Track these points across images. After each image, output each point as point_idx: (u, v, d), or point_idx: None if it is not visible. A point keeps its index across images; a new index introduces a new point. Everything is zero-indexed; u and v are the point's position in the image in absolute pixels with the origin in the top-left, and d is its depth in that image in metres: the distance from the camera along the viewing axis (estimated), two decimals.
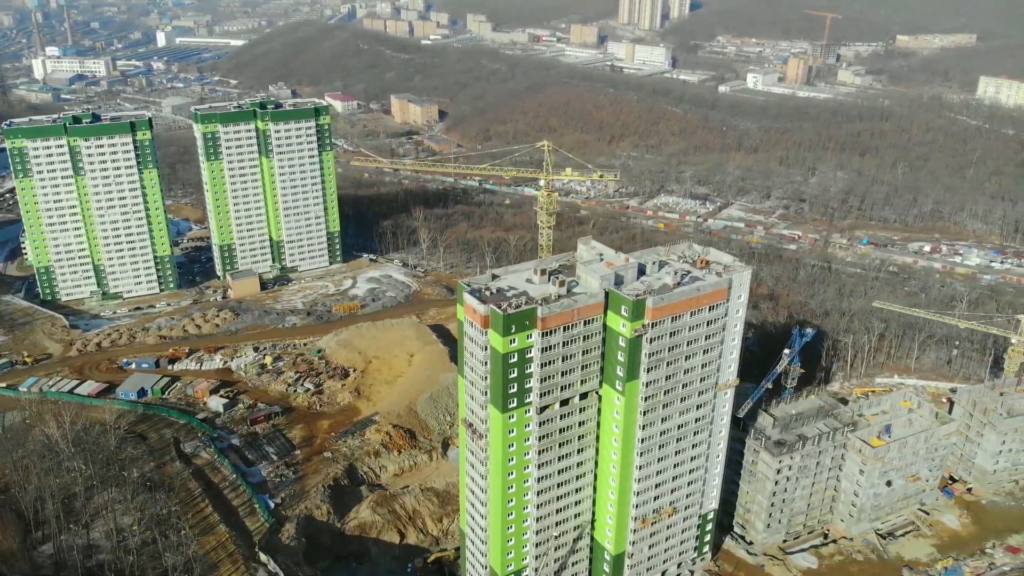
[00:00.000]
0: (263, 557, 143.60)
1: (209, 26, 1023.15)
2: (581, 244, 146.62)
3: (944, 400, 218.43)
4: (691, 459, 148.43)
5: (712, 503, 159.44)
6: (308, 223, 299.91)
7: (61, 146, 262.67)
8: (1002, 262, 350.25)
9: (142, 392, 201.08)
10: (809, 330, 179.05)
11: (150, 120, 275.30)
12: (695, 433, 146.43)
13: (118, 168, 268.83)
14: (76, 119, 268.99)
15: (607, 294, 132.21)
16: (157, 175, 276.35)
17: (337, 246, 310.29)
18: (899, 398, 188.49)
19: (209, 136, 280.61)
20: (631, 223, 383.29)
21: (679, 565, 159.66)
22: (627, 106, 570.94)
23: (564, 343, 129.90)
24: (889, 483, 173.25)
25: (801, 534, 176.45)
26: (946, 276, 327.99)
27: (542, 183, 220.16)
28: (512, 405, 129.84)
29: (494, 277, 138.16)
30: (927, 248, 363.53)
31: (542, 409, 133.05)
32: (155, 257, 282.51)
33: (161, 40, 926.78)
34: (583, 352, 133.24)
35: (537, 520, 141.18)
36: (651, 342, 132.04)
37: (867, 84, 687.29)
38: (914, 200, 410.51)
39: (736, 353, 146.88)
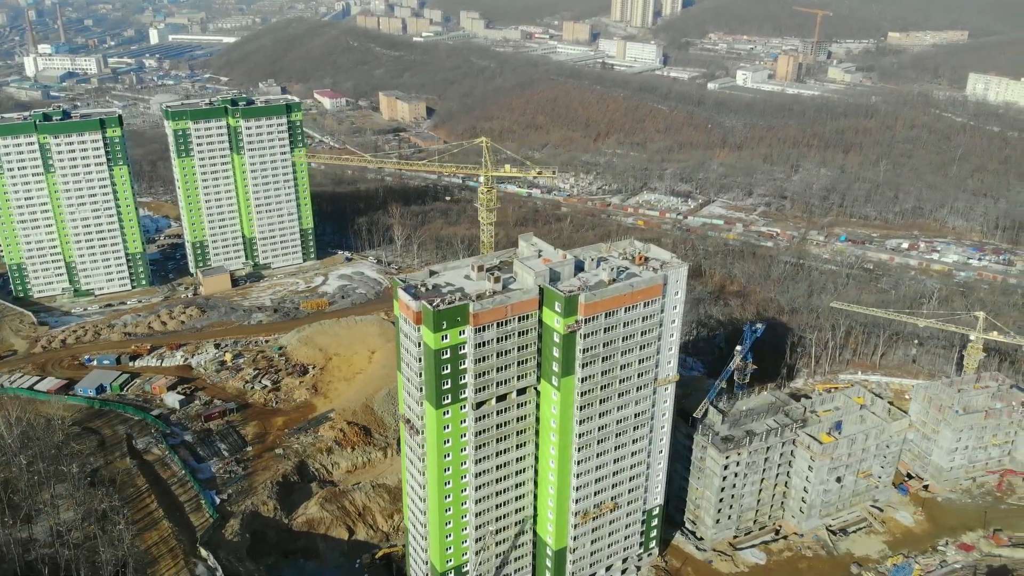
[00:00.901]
0: (203, 552, 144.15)
1: (203, 23, 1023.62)
2: (522, 240, 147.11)
3: (907, 397, 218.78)
4: (632, 454, 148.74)
5: (657, 498, 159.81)
6: (281, 220, 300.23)
7: (32, 143, 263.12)
8: (980, 259, 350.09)
9: (101, 388, 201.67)
10: (759, 326, 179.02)
11: (120, 117, 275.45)
12: (635, 428, 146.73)
13: (88, 165, 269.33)
14: (47, 116, 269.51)
15: (542, 290, 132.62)
16: (128, 172, 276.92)
17: (311, 243, 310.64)
18: (853, 395, 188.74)
19: (180, 133, 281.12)
20: (610, 221, 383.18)
21: (624, 560, 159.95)
22: (614, 103, 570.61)
23: (498, 339, 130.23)
24: (839, 479, 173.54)
25: (752, 530, 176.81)
26: (921, 273, 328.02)
27: (482, 179, 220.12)
28: (447, 401, 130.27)
29: (432, 273, 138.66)
30: (905, 245, 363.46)
31: (479, 405, 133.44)
32: (127, 254, 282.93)
33: (154, 37, 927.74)
34: (519, 348, 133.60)
35: (476, 516, 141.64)
36: (585, 338, 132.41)
37: (857, 81, 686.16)
38: (895, 197, 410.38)
39: (675, 349, 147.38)
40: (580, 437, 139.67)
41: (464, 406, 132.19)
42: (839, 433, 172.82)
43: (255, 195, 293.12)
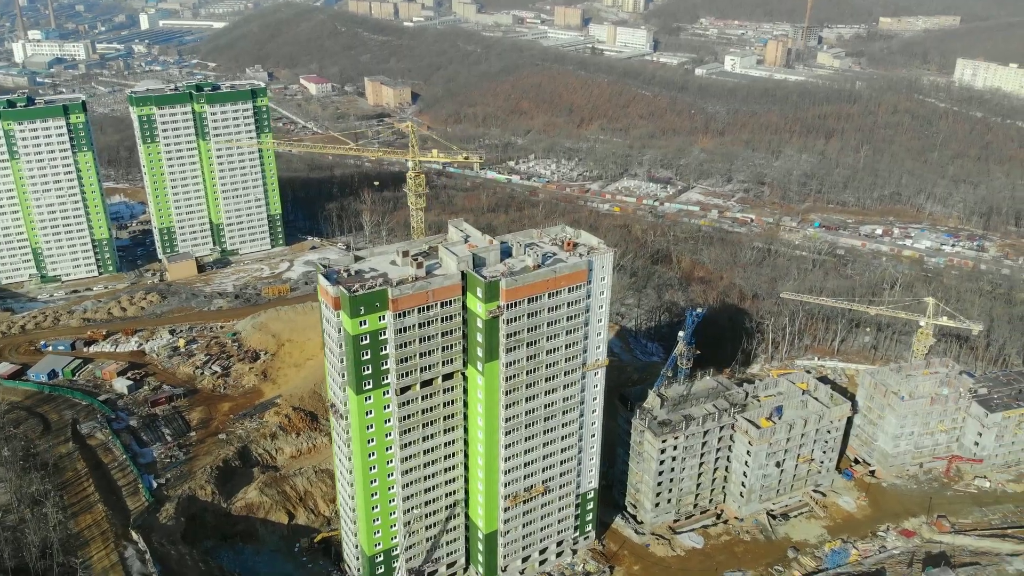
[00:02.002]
0: (134, 535, 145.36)
1: (194, 9, 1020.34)
2: (451, 226, 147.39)
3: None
4: (562, 438, 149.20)
5: (591, 482, 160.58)
6: (248, 206, 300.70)
7: None
8: (953, 245, 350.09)
9: (53, 374, 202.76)
10: (700, 311, 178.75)
11: (84, 103, 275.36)
12: (564, 413, 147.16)
13: (52, 151, 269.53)
14: (11, 103, 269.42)
15: (465, 276, 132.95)
16: (93, 158, 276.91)
17: (279, 229, 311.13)
18: (798, 380, 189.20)
19: (145, 119, 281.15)
20: (584, 207, 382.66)
21: (559, 544, 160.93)
22: (598, 89, 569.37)
23: (420, 325, 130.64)
24: (779, 464, 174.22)
25: (693, 514, 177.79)
26: (893, 259, 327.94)
27: (410, 164, 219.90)
28: (368, 387, 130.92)
29: (357, 259, 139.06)
30: (879, 231, 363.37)
31: (403, 390, 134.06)
32: (93, 240, 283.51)
33: (144, 23, 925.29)
34: (443, 334, 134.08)
35: (404, 500, 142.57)
36: (509, 323, 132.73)
37: (846, 67, 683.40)
38: (873, 183, 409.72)
39: (604, 333, 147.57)
40: (507, 421, 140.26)
41: (387, 391, 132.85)
42: (779, 418, 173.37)
43: (221, 181, 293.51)
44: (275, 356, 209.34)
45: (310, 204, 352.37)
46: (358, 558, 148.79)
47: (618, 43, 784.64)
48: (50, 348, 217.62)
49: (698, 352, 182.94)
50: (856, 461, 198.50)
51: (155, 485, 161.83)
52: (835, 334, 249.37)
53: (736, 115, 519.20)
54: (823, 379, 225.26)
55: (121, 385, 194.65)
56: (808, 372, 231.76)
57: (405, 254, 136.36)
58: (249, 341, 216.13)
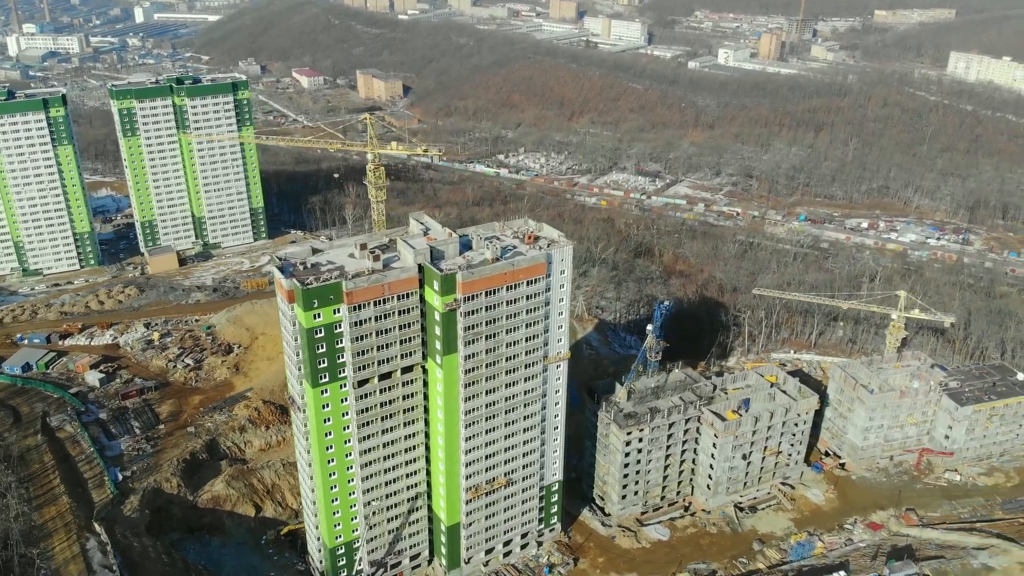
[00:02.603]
0: (97, 527, 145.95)
1: (190, 2, 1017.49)
2: (412, 218, 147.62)
3: None
4: (524, 431, 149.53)
5: (556, 475, 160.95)
6: (230, 199, 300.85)
7: None
8: (938, 239, 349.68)
9: (27, 367, 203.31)
10: (667, 303, 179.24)
11: (64, 97, 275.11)
12: (526, 406, 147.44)
13: (32, 145, 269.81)
14: None
15: (422, 269, 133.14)
16: (74, 151, 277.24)
17: (262, 222, 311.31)
18: (767, 373, 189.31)
19: (125, 112, 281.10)
20: (570, 200, 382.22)
21: (524, 536, 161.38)
22: (589, 82, 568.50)
23: (377, 318, 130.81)
24: (745, 457, 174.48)
25: (661, 506, 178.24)
26: (877, 253, 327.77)
27: (370, 156, 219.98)
28: (324, 380, 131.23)
29: (315, 251, 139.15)
30: (864, 225, 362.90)
31: (361, 384, 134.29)
32: (74, 233, 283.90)
33: (139, 16, 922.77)
34: (400, 327, 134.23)
35: (364, 492, 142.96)
36: (466, 316, 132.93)
37: (839, 60, 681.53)
38: (861, 176, 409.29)
39: (565, 326, 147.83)
40: (467, 414, 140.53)
41: (344, 384, 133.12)
42: (746, 411, 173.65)
43: (203, 174, 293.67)
44: (248, 349, 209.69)
45: (295, 197, 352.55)
46: (320, 550, 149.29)
47: (612, 36, 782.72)
48: (25, 341, 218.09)
49: (667, 345, 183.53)
50: (827, 454, 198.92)
51: (120, 478, 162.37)
52: (812, 328, 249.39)
53: (726, 109, 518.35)
54: (798, 372, 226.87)
55: (93, 378, 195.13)
56: (783, 365, 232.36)
57: (363, 247, 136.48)
58: (223, 334, 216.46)
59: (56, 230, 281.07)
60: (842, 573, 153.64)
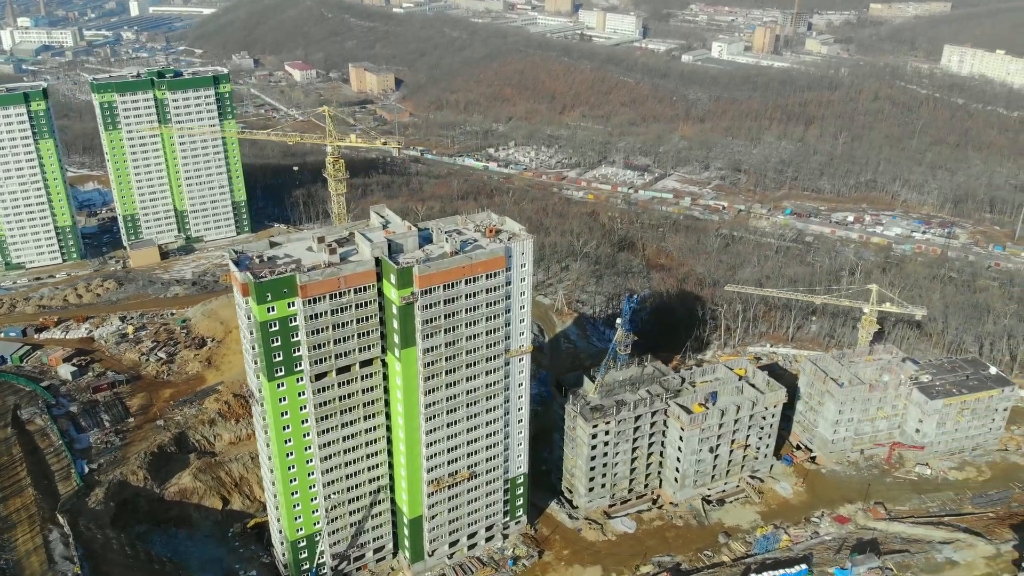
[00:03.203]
0: (60, 519, 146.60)
1: None
2: (373, 211, 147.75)
3: None
4: (486, 424, 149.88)
5: (521, 467, 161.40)
6: (212, 192, 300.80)
7: None
8: (923, 232, 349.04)
9: (1, 360, 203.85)
10: (636, 296, 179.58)
11: (45, 91, 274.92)
12: (488, 399, 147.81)
13: (13, 139, 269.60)
14: None
15: (380, 262, 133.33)
16: (55, 145, 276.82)
17: (244, 216, 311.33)
18: (737, 366, 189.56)
19: (106, 105, 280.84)
20: (555, 194, 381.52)
21: (489, 528, 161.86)
22: (580, 75, 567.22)
23: (333, 311, 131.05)
24: (712, 450, 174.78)
25: (629, 499, 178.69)
26: (861, 247, 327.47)
27: (329, 149, 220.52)
28: (280, 374, 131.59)
29: (273, 245, 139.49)
30: (850, 218, 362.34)
31: (319, 377, 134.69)
32: (56, 227, 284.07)
33: (134, 9, 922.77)
34: (358, 320, 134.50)
35: (325, 485, 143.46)
36: (424, 309, 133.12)
37: (833, 53, 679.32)
38: (849, 170, 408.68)
39: (527, 320, 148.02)
40: (428, 408, 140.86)
41: (301, 378, 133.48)
42: (713, 404, 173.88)
43: (184, 168, 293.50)
44: (222, 343, 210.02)
45: (280, 191, 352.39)
46: (283, 543, 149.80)
47: (607, 29, 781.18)
48: (1, 335, 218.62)
49: (636, 339, 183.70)
50: (798, 447, 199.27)
51: (87, 470, 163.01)
52: (790, 322, 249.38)
53: (717, 102, 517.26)
54: (773, 366, 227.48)
55: (65, 371, 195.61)
56: (758, 359, 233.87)
57: (320, 240, 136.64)
58: (198, 328, 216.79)
59: (38, 224, 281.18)
60: (804, 566, 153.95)
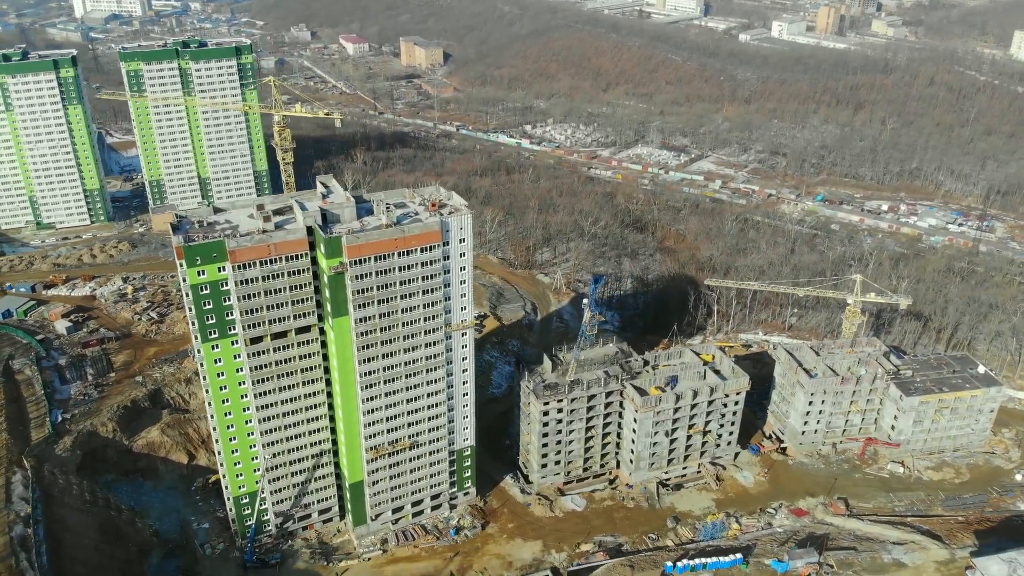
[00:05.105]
0: (25, 462, 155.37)
1: None
2: (319, 181, 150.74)
3: None
4: (428, 395, 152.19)
5: (468, 440, 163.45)
6: (234, 161, 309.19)
7: None
8: (960, 224, 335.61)
9: (7, 313, 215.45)
10: (603, 278, 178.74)
11: (74, 58, 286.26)
12: (428, 371, 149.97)
13: (44, 104, 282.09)
14: (6, 57, 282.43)
15: (312, 231, 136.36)
16: (83, 111, 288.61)
17: (266, 184, 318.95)
18: (704, 351, 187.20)
19: (133, 74, 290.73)
20: (575, 173, 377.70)
21: (436, 497, 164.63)
22: (628, 53, 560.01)
23: (264, 277, 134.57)
24: (668, 434, 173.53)
25: (586, 477, 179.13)
26: (889, 237, 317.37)
27: (276, 119, 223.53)
28: (213, 336, 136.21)
29: (216, 211, 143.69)
30: (884, 207, 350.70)
31: (254, 341, 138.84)
32: (84, 190, 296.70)
33: None
34: (291, 288, 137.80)
35: (265, 447, 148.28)
36: (356, 279, 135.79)
37: (900, 36, 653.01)
38: (892, 157, 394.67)
39: (469, 295, 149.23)
40: (364, 376, 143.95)
41: (235, 341, 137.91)
42: (672, 388, 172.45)
43: (207, 136, 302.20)
44: None
45: (304, 162, 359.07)
46: (229, 499, 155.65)
47: (668, 6, 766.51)
48: (13, 289, 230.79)
49: (604, 319, 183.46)
50: (769, 437, 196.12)
51: (60, 419, 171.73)
52: (789, 310, 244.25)
53: (766, 83, 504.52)
54: (762, 354, 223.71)
55: (61, 327, 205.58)
56: (748, 346, 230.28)
57: (260, 208, 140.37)
58: None
59: (67, 186, 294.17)
60: (739, 555, 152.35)
